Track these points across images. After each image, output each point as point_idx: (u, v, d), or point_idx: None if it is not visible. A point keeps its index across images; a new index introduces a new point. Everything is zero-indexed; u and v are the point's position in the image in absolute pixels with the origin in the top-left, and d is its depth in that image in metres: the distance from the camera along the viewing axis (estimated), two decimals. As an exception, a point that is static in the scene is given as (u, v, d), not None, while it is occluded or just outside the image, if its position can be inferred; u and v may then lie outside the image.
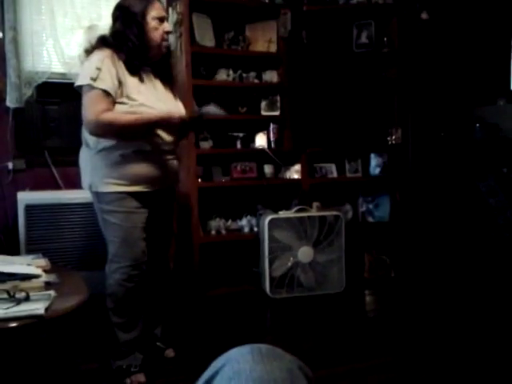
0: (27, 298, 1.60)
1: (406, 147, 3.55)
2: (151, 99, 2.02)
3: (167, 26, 2.09)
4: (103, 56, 1.94)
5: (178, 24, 3.11)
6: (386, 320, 2.81)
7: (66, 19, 3.10)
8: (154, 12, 2.02)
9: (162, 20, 2.06)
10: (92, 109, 1.89)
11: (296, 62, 3.34)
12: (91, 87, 1.89)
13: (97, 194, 2.02)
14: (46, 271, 1.95)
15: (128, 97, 1.96)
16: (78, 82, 1.95)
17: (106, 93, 1.90)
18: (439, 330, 2.59)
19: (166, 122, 1.99)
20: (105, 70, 1.90)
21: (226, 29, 3.35)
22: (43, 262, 2.14)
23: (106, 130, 1.91)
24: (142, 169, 2.00)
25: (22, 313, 1.50)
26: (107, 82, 1.90)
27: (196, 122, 2.27)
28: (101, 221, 2.07)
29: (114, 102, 1.94)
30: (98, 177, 1.99)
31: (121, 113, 1.93)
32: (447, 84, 4.18)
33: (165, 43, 2.09)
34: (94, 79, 1.88)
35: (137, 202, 2.02)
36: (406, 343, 2.46)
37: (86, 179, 2.06)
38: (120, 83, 1.95)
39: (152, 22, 2.02)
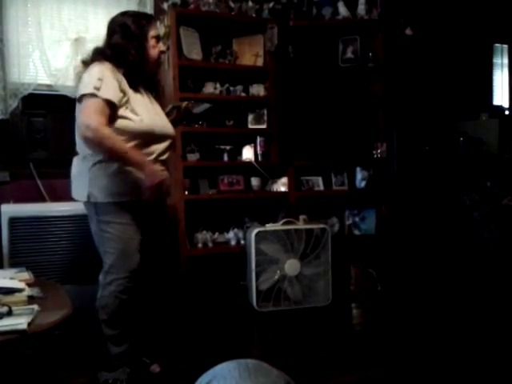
0: (10, 313, 1.58)
1: (391, 161, 3.59)
2: (150, 114, 2.06)
3: (162, 46, 2.16)
4: (104, 67, 1.95)
5: (165, 37, 3.13)
6: (372, 333, 2.81)
7: (53, 31, 3.10)
8: (152, 31, 2.10)
9: (158, 39, 2.13)
10: (96, 116, 1.86)
11: (282, 76, 3.37)
12: (94, 96, 1.88)
13: (95, 205, 2.00)
14: (29, 285, 1.92)
15: (133, 110, 1.98)
16: (80, 92, 1.93)
17: (109, 103, 1.90)
18: (426, 343, 2.60)
19: (148, 173, 1.94)
20: (107, 80, 1.91)
21: (213, 42, 3.38)
22: (27, 275, 2.11)
23: (99, 141, 1.87)
24: (141, 178, 1.99)
25: (3, 328, 1.48)
26: (110, 92, 1.90)
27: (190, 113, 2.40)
28: (97, 232, 2.04)
29: (116, 116, 1.94)
30: (97, 187, 1.96)
31: (124, 133, 1.95)
32: (431, 99, 4.26)
33: (158, 62, 2.17)
34: (98, 89, 1.88)
35: (136, 214, 2.02)
36: (393, 356, 2.46)
37: (82, 190, 2.01)
38: (124, 93, 1.97)
39: (151, 41, 2.08)
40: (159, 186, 1.95)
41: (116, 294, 2.01)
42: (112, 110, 1.92)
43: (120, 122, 1.96)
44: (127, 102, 1.98)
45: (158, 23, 3.17)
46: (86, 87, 1.91)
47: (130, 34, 2.03)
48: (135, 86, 2.05)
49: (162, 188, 1.98)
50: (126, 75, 2.00)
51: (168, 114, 2.28)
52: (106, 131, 1.87)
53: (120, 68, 2.00)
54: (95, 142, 1.88)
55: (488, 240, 3.54)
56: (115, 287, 2.01)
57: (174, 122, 2.28)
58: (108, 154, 1.92)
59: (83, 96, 1.91)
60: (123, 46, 2.01)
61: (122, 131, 1.96)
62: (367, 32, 3.61)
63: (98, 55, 2.02)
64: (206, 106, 2.45)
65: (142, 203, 2.03)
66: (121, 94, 1.95)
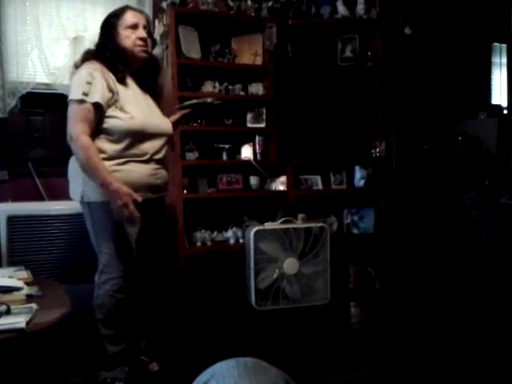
0: (8, 311, 1.58)
1: (390, 160, 3.59)
2: (143, 111, 2.05)
3: (141, 33, 2.08)
4: (92, 69, 1.96)
5: (164, 36, 3.13)
6: (371, 332, 2.82)
7: (52, 30, 3.10)
8: (124, 22, 2.07)
9: (134, 27, 2.08)
10: (80, 125, 1.90)
11: (281, 74, 3.36)
12: (83, 102, 1.90)
13: (89, 205, 2.00)
14: (27, 284, 1.92)
15: (122, 109, 1.98)
16: (70, 96, 1.95)
17: (97, 105, 1.91)
18: (425, 341, 2.61)
19: (115, 196, 1.89)
20: (95, 82, 1.92)
21: (212, 41, 3.38)
22: (25, 274, 2.11)
23: (76, 151, 1.92)
24: (135, 177, 2.00)
25: (2, 326, 1.48)
26: (99, 94, 1.92)
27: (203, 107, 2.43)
28: (92, 232, 2.04)
29: (104, 117, 1.94)
30: (90, 187, 1.96)
31: (102, 149, 1.94)
32: (430, 98, 4.26)
33: (138, 48, 2.08)
34: (86, 94, 1.90)
35: None
36: (392, 355, 2.46)
37: (76, 190, 2.02)
38: (113, 93, 1.97)
39: (124, 32, 2.06)
40: (128, 212, 1.89)
41: (111, 293, 2.01)
42: (101, 110, 1.94)
43: (108, 122, 1.96)
44: (116, 101, 1.97)
45: (157, 21, 3.18)
46: (75, 91, 1.93)
47: (105, 30, 2.07)
48: (124, 80, 2.03)
49: (130, 214, 1.90)
50: (112, 71, 2.00)
51: (180, 109, 2.35)
52: (85, 141, 1.89)
53: (106, 65, 2.01)
54: (74, 150, 1.92)
55: (486, 239, 3.54)
56: (110, 286, 2.01)
57: (187, 117, 2.39)
58: (81, 164, 1.92)
59: (71, 100, 1.94)
60: (102, 43, 2.06)
61: (111, 131, 1.96)
62: (366, 31, 3.61)
63: (88, 55, 2.04)
64: (218, 101, 2.51)
65: (142, 201, 2.03)
66: (109, 94, 1.95)
